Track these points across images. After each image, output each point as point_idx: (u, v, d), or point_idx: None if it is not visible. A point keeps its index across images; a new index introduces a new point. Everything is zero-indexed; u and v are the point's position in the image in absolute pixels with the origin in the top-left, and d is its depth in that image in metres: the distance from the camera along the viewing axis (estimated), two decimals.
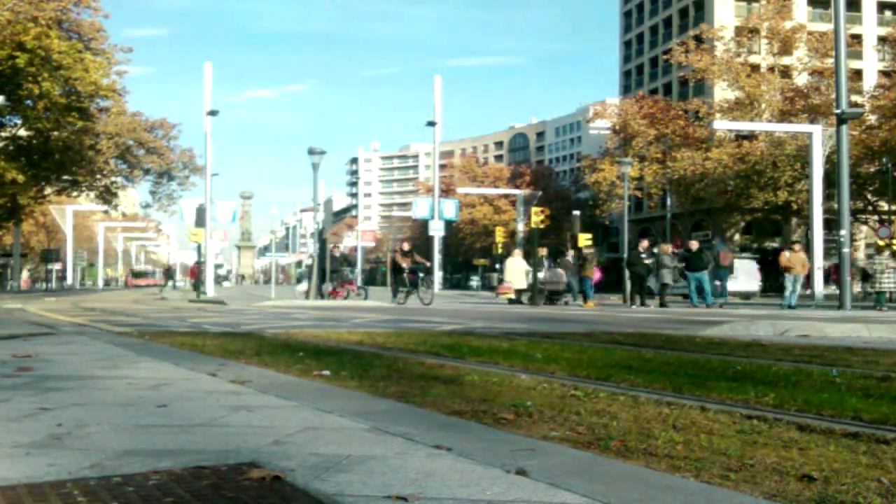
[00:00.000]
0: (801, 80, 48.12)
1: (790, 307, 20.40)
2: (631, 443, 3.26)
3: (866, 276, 37.90)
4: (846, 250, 20.83)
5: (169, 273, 62.74)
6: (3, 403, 4.03)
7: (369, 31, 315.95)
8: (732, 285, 26.89)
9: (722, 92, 49.34)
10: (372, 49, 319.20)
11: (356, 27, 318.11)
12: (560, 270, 23.91)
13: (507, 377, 5.38)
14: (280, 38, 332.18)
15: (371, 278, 77.86)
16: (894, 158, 39.70)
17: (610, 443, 3.26)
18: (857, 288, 42.51)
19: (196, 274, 36.73)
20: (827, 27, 47.50)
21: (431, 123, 47.31)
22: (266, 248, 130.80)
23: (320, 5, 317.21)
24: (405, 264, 22.83)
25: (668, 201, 52.55)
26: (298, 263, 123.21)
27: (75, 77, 33.92)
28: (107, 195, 47.93)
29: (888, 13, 61.09)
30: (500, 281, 27.48)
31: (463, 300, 30.47)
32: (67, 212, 62.28)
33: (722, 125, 40.48)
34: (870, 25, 59.22)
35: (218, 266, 64.31)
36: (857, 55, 55.78)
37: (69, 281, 69.51)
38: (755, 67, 48.60)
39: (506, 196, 66.53)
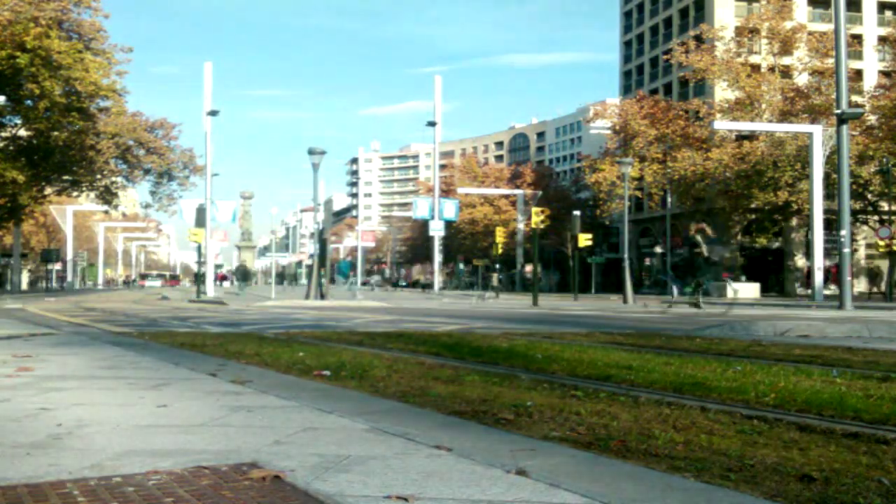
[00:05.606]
0: (801, 80, 48.03)
1: None
2: (631, 443, 3.26)
3: (873, 276, 37.92)
4: (846, 250, 20.85)
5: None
6: (4, 403, 4.03)
7: (370, 31, 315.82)
8: None
9: (722, 92, 49.23)
10: (373, 49, 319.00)
11: (357, 26, 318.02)
12: None
13: (507, 377, 5.38)
14: (280, 38, 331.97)
15: None
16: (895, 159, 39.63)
17: (610, 443, 3.25)
18: (862, 287, 42.55)
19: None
20: (827, 27, 47.47)
21: (431, 123, 47.31)
22: (266, 248, 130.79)
23: (322, 5, 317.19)
24: None
25: (669, 201, 52.50)
26: (298, 263, 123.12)
27: (75, 77, 33.89)
28: (107, 195, 47.92)
29: (888, 13, 60.95)
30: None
31: (463, 300, 30.49)
32: (67, 212, 62.25)
33: (722, 125, 40.39)
34: (870, 25, 59.10)
35: (218, 266, 63.32)
36: (858, 55, 55.69)
37: (69, 280, 69.51)
38: (755, 67, 48.51)
39: (506, 196, 66.41)
